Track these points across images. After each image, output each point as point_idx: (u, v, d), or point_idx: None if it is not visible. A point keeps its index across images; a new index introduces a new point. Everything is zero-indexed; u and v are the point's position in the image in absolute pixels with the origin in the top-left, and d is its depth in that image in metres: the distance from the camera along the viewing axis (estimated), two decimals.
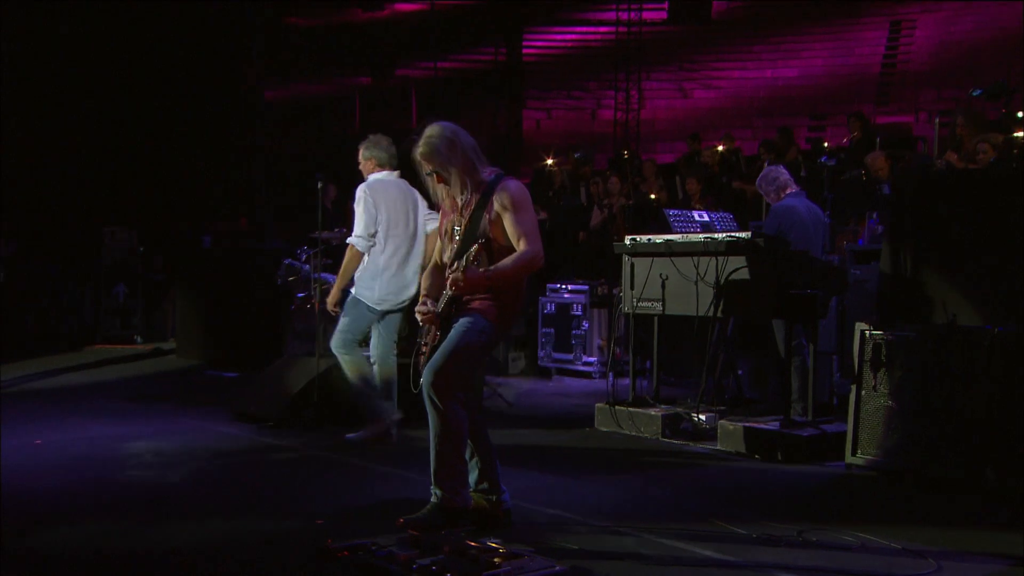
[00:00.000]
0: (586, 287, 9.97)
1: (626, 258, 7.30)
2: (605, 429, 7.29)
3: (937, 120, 10.34)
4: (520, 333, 10.36)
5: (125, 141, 14.11)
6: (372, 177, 6.66)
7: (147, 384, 9.91)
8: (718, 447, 6.63)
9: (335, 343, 6.61)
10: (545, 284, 10.36)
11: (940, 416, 5.59)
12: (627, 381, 7.63)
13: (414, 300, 5.87)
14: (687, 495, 5.47)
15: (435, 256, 4.78)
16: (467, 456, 4.54)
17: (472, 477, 4.58)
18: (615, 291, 8.59)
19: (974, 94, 8.78)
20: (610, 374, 7.54)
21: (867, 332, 6.08)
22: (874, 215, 8.46)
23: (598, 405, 7.42)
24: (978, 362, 5.49)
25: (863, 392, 6.00)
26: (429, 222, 6.67)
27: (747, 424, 6.53)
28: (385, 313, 6.65)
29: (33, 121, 13.29)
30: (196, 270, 12.34)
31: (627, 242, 7.28)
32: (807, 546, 4.45)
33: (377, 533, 4.32)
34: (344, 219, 12.98)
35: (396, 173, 6.69)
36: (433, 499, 4.36)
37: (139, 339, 13.64)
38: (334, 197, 13.48)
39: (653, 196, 10.82)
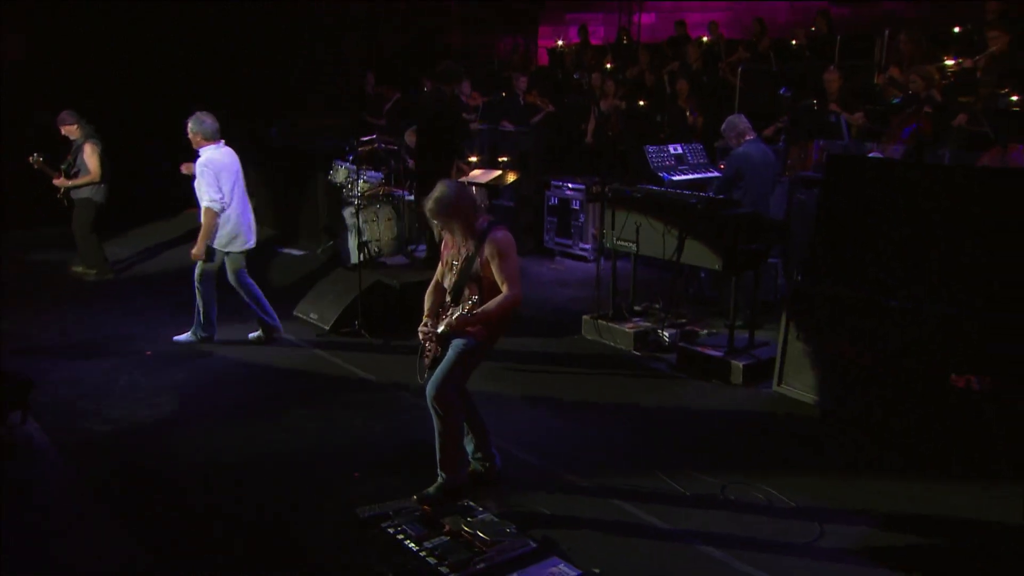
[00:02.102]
0: (583, 185, 9.96)
1: (608, 201, 7.32)
2: (590, 337, 7.53)
3: (887, 31, 9.85)
4: (529, 220, 10.47)
5: (207, 32, 13.69)
6: (206, 152, 6.91)
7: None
8: (676, 362, 6.91)
9: (198, 273, 7.12)
10: (550, 180, 10.34)
11: (848, 365, 5.77)
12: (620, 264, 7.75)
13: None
14: (641, 437, 5.66)
15: (436, 276, 4.90)
16: (464, 434, 4.87)
17: (469, 449, 4.90)
18: (607, 189, 8.61)
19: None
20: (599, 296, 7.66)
21: (796, 285, 6.20)
22: (820, 141, 8.32)
23: (584, 317, 7.63)
24: (878, 325, 5.63)
25: (788, 336, 6.18)
26: None
27: (699, 350, 6.77)
28: (228, 254, 7.12)
29: (132, 21, 12.93)
30: (264, 156, 12.31)
31: (608, 192, 7.28)
32: (726, 506, 4.74)
33: (402, 494, 4.67)
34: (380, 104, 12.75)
35: (223, 142, 6.98)
36: (439, 480, 4.68)
37: None
38: (373, 83, 13.19)
39: (642, 103, 10.54)
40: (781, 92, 8.23)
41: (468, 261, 4.60)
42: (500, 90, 12.37)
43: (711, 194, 7.41)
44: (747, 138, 7.43)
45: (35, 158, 9.05)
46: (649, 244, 6.95)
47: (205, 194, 6.87)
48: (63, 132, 9.29)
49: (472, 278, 4.59)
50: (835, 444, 5.58)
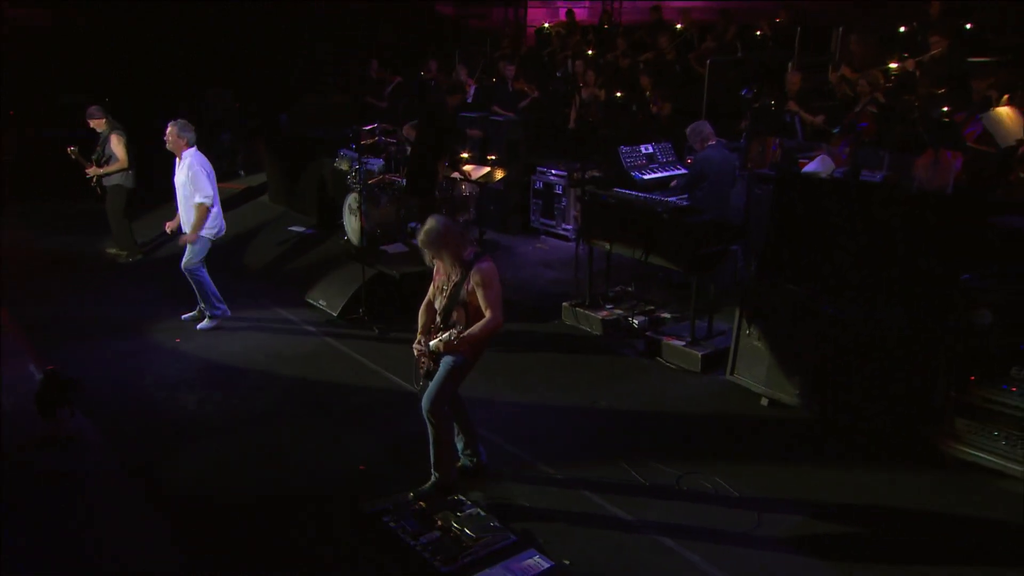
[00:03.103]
0: (565, 172, 10.03)
1: (584, 204, 7.44)
2: (568, 323, 7.71)
3: (841, 28, 9.81)
4: (517, 201, 10.59)
5: (215, 19, 13.56)
6: (190, 155, 7.21)
7: (247, 246, 10.23)
8: (643, 348, 7.13)
9: (188, 264, 7.33)
10: (535, 166, 10.42)
11: (793, 361, 5.96)
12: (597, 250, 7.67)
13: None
14: (608, 426, 5.87)
15: (428, 296, 5.06)
16: (455, 435, 5.12)
17: (459, 446, 5.17)
18: (587, 176, 8.70)
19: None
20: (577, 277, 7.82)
21: (749, 283, 6.37)
22: (777, 141, 8.40)
23: (564, 304, 7.80)
24: (818, 324, 5.81)
25: (740, 332, 6.37)
26: None
27: (664, 339, 6.99)
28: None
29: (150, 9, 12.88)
30: (276, 139, 12.33)
31: (585, 195, 7.41)
32: (681, 496, 4.97)
33: (400, 487, 4.91)
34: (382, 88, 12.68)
35: (196, 147, 7.29)
36: (433, 478, 4.93)
37: (242, 173, 13.83)
38: (376, 67, 13.11)
39: (619, 94, 10.53)
40: (743, 93, 8.29)
41: (456, 287, 4.78)
42: (490, 77, 12.35)
43: (677, 191, 7.55)
44: (710, 143, 7.55)
45: (73, 150, 9.16)
46: (621, 243, 7.11)
47: (199, 191, 7.17)
48: (91, 125, 9.38)
49: (459, 303, 4.78)
50: (778, 434, 5.78)
